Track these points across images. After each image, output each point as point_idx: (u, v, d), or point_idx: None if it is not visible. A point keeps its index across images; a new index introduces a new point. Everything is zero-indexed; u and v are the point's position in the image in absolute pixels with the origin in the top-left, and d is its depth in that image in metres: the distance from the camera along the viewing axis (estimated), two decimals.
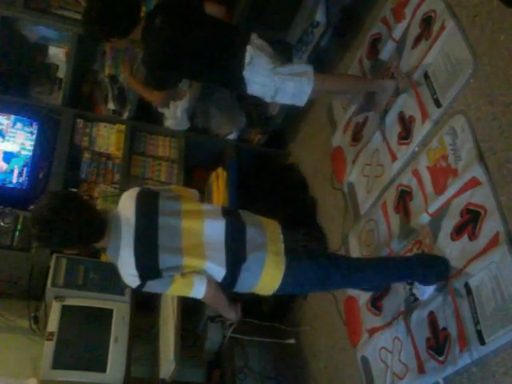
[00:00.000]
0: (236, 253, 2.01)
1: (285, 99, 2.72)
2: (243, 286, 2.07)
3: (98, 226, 1.94)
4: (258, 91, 2.69)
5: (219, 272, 2.00)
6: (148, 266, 1.93)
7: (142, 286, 1.95)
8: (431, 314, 2.27)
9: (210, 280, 1.99)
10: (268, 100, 2.75)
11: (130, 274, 1.93)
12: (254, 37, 2.66)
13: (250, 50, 2.59)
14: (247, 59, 2.58)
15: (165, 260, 1.94)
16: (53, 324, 2.72)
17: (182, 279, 1.95)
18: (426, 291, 2.30)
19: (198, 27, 2.63)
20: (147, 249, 1.93)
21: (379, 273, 2.30)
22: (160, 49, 2.62)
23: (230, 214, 2.11)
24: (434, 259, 2.28)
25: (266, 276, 2.03)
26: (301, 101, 2.71)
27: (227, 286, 2.07)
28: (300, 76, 2.62)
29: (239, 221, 2.09)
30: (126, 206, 2.03)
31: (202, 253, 1.99)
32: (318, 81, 2.67)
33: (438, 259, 2.26)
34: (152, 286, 1.97)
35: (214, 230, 2.02)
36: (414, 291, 2.37)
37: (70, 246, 1.99)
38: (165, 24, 2.58)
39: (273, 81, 2.61)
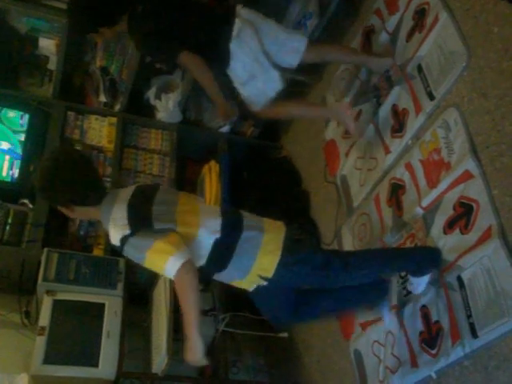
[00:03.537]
0: (232, 220, 2.00)
1: (248, 92, 2.74)
2: (229, 272, 2.03)
3: (98, 190, 1.97)
4: (236, 70, 2.67)
5: (211, 237, 1.94)
6: (140, 215, 1.88)
7: (124, 240, 1.84)
8: (424, 307, 2.27)
9: (190, 262, 1.80)
10: (237, 85, 2.74)
11: (120, 223, 1.86)
12: (240, 9, 2.65)
13: (238, 24, 2.58)
14: (235, 32, 2.58)
15: (158, 213, 1.90)
16: (44, 319, 2.70)
17: (160, 248, 1.79)
18: (419, 285, 2.30)
19: (181, 10, 2.62)
20: (142, 201, 1.92)
21: (374, 265, 2.29)
22: (147, 35, 2.60)
23: (228, 213, 2.08)
24: (426, 248, 2.31)
25: (262, 254, 2.00)
26: (255, 106, 2.76)
27: (214, 268, 2.04)
28: (270, 83, 2.67)
29: (237, 218, 2.06)
30: (125, 189, 2.05)
31: (195, 220, 1.95)
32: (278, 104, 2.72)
33: (430, 248, 2.28)
34: (132, 247, 1.84)
35: (210, 208, 2.04)
36: (408, 287, 2.36)
37: (70, 202, 1.96)
38: (147, 11, 2.58)
39: (252, 65, 2.62)
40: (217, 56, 2.69)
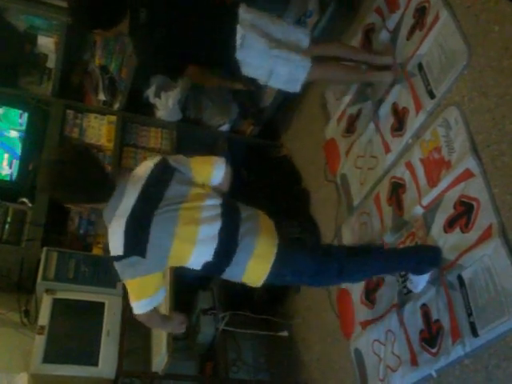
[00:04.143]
0: (227, 245, 1.99)
1: (278, 84, 2.74)
2: (231, 275, 2.07)
3: (106, 187, 1.93)
4: (252, 73, 2.69)
5: (203, 257, 1.99)
6: (136, 240, 1.87)
7: (116, 258, 1.88)
8: (424, 306, 2.27)
9: (155, 308, 2.00)
10: (262, 82, 2.74)
11: (116, 241, 1.88)
12: (242, 10, 2.63)
13: (240, 31, 2.56)
14: (238, 41, 2.56)
15: (155, 237, 1.88)
16: (44, 318, 2.69)
17: (131, 288, 1.94)
18: (419, 283, 2.30)
19: (184, 17, 2.60)
20: (140, 224, 1.88)
21: (373, 263, 2.28)
22: (151, 45, 2.59)
23: (228, 213, 2.06)
24: (426, 246, 2.30)
25: (251, 269, 2.02)
26: (294, 87, 2.71)
27: (215, 272, 2.10)
28: (295, 63, 2.60)
29: (235, 218, 2.05)
30: (139, 174, 2.00)
31: (193, 239, 1.95)
32: (315, 70, 2.65)
33: (430, 246, 2.28)
34: (119, 267, 1.89)
35: (208, 232, 1.98)
36: (408, 285, 2.36)
37: (74, 201, 1.97)
38: (150, 19, 2.55)
39: (267, 62, 2.60)
40: (228, 67, 2.71)
